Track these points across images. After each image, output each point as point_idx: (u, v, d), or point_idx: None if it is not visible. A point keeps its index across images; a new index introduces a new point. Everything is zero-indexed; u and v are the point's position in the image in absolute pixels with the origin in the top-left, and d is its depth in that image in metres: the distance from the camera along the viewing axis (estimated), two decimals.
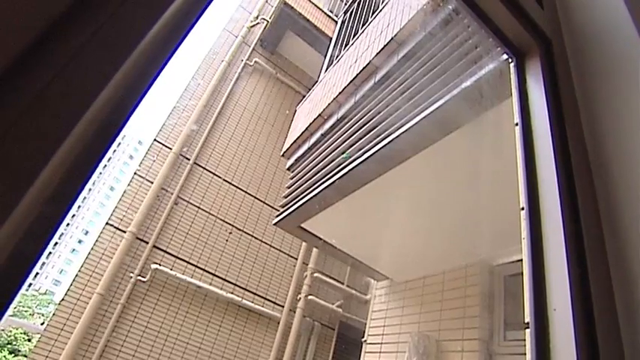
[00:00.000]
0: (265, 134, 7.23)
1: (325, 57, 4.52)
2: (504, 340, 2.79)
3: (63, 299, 4.85)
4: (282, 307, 6.18)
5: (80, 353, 4.64)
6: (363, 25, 3.56)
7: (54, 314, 4.80)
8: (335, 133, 3.20)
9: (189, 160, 6.19)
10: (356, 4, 4.34)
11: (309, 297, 6.26)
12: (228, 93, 6.96)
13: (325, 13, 7.44)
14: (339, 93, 3.20)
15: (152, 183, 5.76)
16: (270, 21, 7.60)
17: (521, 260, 0.79)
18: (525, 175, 0.87)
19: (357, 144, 2.71)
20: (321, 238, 3.73)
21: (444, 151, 2.25)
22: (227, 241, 6.16)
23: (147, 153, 6.03)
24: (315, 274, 6.44)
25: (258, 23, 7.85)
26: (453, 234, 3.05)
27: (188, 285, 5.59)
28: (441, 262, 3.39)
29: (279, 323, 6.03)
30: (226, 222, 6.26)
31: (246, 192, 6.64)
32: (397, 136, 2.27)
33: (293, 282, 6.41)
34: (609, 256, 0.75)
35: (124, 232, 5.35)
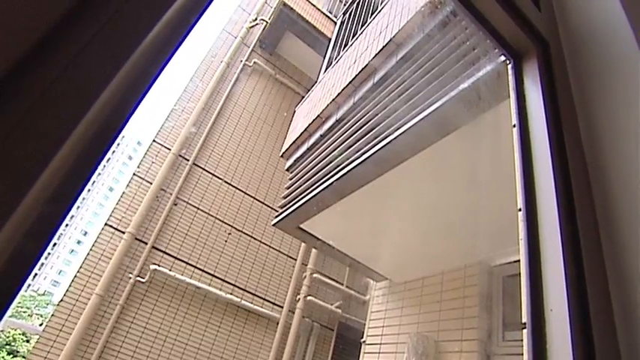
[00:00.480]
0: (264, 135, 7.23)
1: (324, 58, 4.53)
2: (503, 340, 2.79)
3: (62, 300, 4.84)
4: (282, 307, 6.18)
5: (79, 354, 4.64)
6: (362, 26, 3.57)
7: (52, 315, 4.79)
8: (334, 134, 3.21)
9: (188, 160, 6.19)
10: (355, 4, 4.35)
11: (309, 298, 6.26)
12: (228, 94, 6.97)
13: (324, 14, 7.45)
14: (338, 94, 3.21)
15: (151, 184, 5.76)
16: (269, 22, 7.61)
17: (519, 261, 0.79)
18: (523, 176, 0.87)
19: (356, 145, 2.72)
20: (320, 239, 3.74)
21: (442, 153, 2.25)
22: (226, 241, 6.16)
23: (146, 154, 6.03)
24: (315, 275, 6.44)
25: (257, 24, 7.85)
26: (452, 235, 3.05)
27: (187, 285, 5.58)
28: (440, 263, 3.40)
29: (278, 324, 6.02)
30: (225, 222, 6.26)
31: (245, 192, 6.64)
32: (395, 138, 2.28)
33: (292, 282, 6.41)
34: (605, 257, 0.76)
35: (123, 232, 5.34)
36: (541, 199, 0.81)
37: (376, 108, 2.65)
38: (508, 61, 1.07)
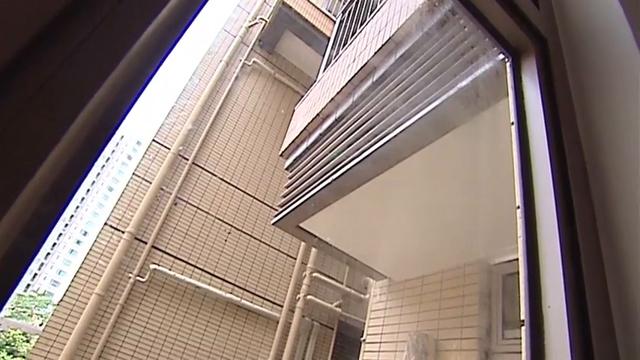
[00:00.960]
0: (264, 134, 7.23)
1: (323, 56, 4.53)
2: (502, 338, 2.80)
3: (61, 300, 4.85)
4: (281, 306, 6.19)
5: (79, 354, 4.64)
6: (361, 25, 3.57)
7: (52, 315, 4.79)
8: (333, 133, 3.21)
9: (187, 160, 6.18)
10: (354, 3, 4.34)
11: (308, 297, 6.27)
12: (227, 93, 6.96)
13: (323, 13, 7.45)
14: (337, 93, 3.21)
15: (150, 183, 5.76)
16: (268, 21, 7.60)
17: (519, 259, 0.79)
18: (521, 174, 0.87)
19: (355, 144, 2.72)
20: (319, 238, 3.74)
21: (441, 151, 2.25)
22: (226, 240, 6.16)
23: (145, 153, 6.02)
24: (314, 274, 6.45)
25: (256, 23, 7.85)
26: (451, 233, 3.05)
27: (187, 285, 5.58)
28: (440, 262, 3.40)
29: (278, 323, 6.03)
30: (225, 222, 6.26)
31: (244, 192, 6.64)
32: (394, 136, 2.28)
33: (292, 282, 6.42)
34: (603, 255, 0.76)
35: (123, 232, 5.34)
36: (539, 196, 0.81)
37: (375, 106, 2.65)
38: (506, 59, 1.07)
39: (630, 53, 0.93)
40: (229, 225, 6.28)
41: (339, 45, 4.10)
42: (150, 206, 5.62)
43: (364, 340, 3.94)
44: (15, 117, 0.29)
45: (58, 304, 4.87)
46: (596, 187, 0.85)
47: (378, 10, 3.18)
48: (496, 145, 1.88)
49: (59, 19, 0.33)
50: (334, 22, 5.48)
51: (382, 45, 2.71)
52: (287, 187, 3.77)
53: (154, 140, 6.11)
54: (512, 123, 0.96)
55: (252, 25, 7.81)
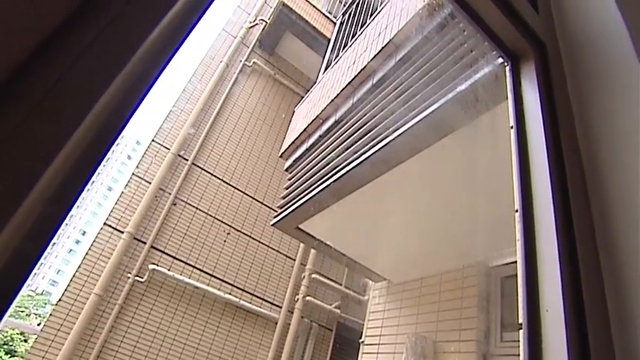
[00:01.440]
0: (263, 135, 7.23)
1: (324, 58, 4.54)
2: (501, 341, 2.80)
3: (60, 300, 4.84)
4: (280, 307, 6.18)
5: (77, 354, 4.63)
6: (361, 27, 3.58)
7: (51, 315, 4.79)
8: (332, 135, 3.21)
9: (187, 160, 6.18)
10: (354, 5, 4.35)
11: (307, 298, 6.26)
12: (227, 94, 6.97)
13: (324, 15, 7.46)
14: (337, 95, 3.21)
15: (150, 183, 5.76)
16: (268, 22, 7.61)
17: (516, 262, 0.80)
18: (520, 177, 0.87)
19: (354, 146, 2.72)
20: (318, 239, 3.74)
21: (440, 154, 2.26)
22: (225, 241, 6.16)
23: (145, 153, 6.02)
24: (313, 275, 6.45)
25: (256, 24, 7.86)
26: (450, 236, 3.06)
27: (186, 285, 5.58)
28: (438, 264, 3.41)
29: (276, 324, 6.03)
30: (224, 223, 6.26)
31: (244, 193, 6.64)
32: (393, 139, 2.28)
33: (291, 283, 6.41)
34: (601, 258, 0.76)
35: (122, 232, 5.34)
36: (538, 200, 0.82)
37: (375, 109, 2.66)
38: (506, 63, 1.08)
39: (628, 58, 0.94)
40: (228, 225, 6.28)
41: (340, 47, 4.11)
42: (149, 206, 5.61)
43: (363, 342, 3.94)
44: (22, 120, 0.30)
45: (56, 304, 4.86)
46: (594, 191, 0.85)
47: (379, 12, 3.18)
48: (495, 148, 1.89)
49: (65, 24, 0.33)
50: (334, 23, 5.49)
51: (382, 47, 2.72)
52: (286, 188, 3.78)
53: (153, 140, 6.11)
54: (512, 127, 0.97)
55: (252, 26, 7.82)
